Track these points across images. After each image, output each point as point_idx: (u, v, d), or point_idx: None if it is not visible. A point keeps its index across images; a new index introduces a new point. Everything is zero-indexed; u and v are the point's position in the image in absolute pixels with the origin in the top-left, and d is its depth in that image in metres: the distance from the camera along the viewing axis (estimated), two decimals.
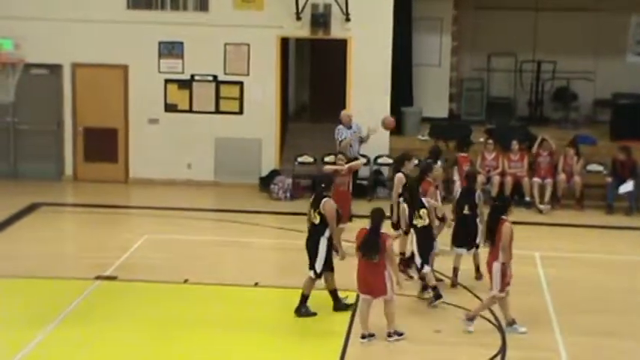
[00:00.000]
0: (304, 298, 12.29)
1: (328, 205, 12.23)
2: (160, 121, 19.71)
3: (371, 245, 11.31)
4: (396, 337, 11.49)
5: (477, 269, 13.62)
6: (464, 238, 13.46)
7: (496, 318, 12.09)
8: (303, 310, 12.26)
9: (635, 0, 21.28)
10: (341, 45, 19.35)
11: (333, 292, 12.44)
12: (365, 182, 18.96)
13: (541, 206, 18.12)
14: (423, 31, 21.42)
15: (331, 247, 12.30)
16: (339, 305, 12.42)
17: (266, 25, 19.16)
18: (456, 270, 13.52)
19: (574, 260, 14.51)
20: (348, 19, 18.98)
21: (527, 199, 18.27)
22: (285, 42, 19.90)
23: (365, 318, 11.53)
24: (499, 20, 21.83)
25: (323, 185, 12.59)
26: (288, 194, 18.80)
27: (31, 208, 17.55)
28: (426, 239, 12.72)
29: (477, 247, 13.44)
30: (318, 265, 12.20)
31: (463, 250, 13.50)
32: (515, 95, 22.32)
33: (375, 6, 19.04)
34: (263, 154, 19.64)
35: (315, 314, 12.26)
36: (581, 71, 21.55)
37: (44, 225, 16.73)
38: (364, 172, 18.95)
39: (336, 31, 19.14)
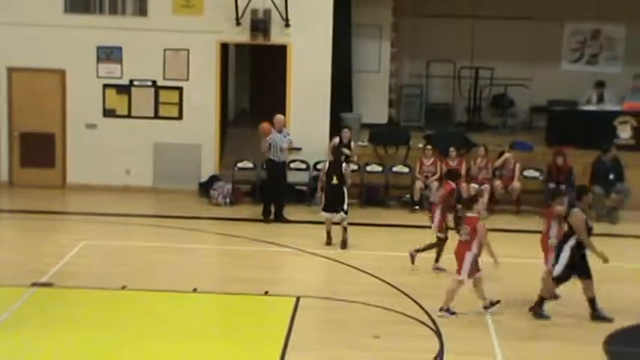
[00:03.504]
0: (540, 301, 12.67)
1: (575, 215, 12.34)
2: (98, 126, 19.55)
3: (457, 223, 13.01)
4: (446, 313, 12.35)
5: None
6: (332, 204, 15.51)
7: (434, 323, 12.19)
8: (540, 311, 12.64)
9: (569, 9, 21.71)
10: (281, 50, 19.38)
11: (591, 301, 12.53)
12: (304, 188, 19.01)
13: None
14: (362, 38, 21.55)
15: (574, 256, 12.35)
16: (595, 314, 12.51)
17: (206, 31, 19.11)
18: (329, 233, 15.67)
19: (510, 265, 14.62)
20: (287, 25, 19.00)
21: None
22: (224, 47, 19.86)
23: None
24: (438, 27, 22.05)
25: (577, 195, 12.75)
26: (227, 200, 18.78)
27: None
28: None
29: (346, 212, 15.55)
30: (556, 270, 12.44)
31: (332, 215, 15.56)
32: (454, 101, 22.59)
33: (314, 12, 19.07)
34: (202, 159, 19.57)
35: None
36: (517, 78, 21.87)
37: None
38: (304, 177, 19.01)
39: (276, 37, 19.15)
